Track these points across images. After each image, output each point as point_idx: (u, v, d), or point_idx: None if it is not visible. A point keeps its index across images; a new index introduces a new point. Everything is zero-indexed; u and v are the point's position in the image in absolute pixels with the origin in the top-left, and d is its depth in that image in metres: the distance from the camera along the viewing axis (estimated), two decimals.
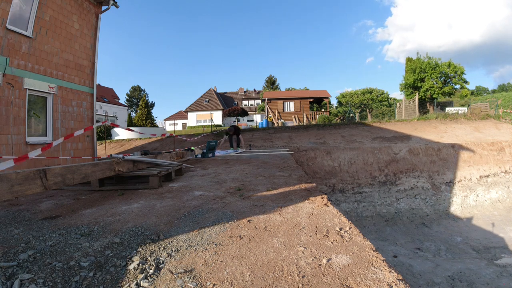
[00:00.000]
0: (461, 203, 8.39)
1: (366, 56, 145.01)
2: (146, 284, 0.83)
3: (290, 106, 26.19)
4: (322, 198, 1.69)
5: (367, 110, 30.44)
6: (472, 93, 30.60)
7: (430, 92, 22.14)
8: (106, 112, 29.17)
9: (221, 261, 0.96)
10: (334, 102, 38.74)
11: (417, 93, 20.87)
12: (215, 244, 1.12)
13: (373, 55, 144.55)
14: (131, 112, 50.03)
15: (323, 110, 28.65)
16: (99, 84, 33.46)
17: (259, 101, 42.83)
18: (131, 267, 0.94)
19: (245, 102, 46.53)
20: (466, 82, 22.57)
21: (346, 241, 1.09)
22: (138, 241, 1.19)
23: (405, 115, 19.13)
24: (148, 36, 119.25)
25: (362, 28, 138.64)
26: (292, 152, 7.75)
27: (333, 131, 13.06)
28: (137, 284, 0.83)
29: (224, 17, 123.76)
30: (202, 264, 0.94)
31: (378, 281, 0.78)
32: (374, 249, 1.00)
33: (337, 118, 25.39)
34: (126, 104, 40.91)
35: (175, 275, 0.87)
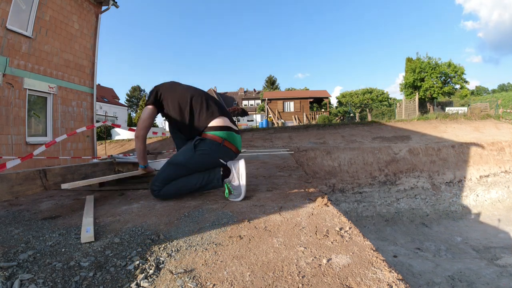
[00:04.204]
0: (461, 203, 8.39)
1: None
2: (146, 284, 0.82)
3: (290, 106, 26.19)
4: (322, 198, 1.69)
5: (367, 110, 30.43)
6: (472, 93, 30.62)
7: (430, 92, 22.15)
8: (106, 112, 29.18)
9: (221, 261, 0.96)
10: (334, 102, 38.74)
11: (417, 93, 20.87)
12: (215, 244, 1.12)
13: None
14: (131, 112, 50.01)
15: (323, 110, 28.63)
16: (99, 84, 33.43)
17: (259, 101, 42.81)
18: (131, 267, 0.94)
19: (245, 102, 46.52)
20: (466, 82, 22.60)
21: (346, 241, 1.09)
22: (138, 241, 1.19)
23: (405, 115, 19.12)
24: (148, 36, 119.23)
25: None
26: (292, 152, 7.74)
27: (333, 131, 13.06)
28: (137, 284, 0.83)
29: (224, 17, 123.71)
30: (202, 264, 0.94)
31: (378, 281, 0.78)
32: (374, 249, 1.00)
33: (337, 118, 25.38)
34: (126, 104, 40.90)
35: (175, 275, 0.87)
